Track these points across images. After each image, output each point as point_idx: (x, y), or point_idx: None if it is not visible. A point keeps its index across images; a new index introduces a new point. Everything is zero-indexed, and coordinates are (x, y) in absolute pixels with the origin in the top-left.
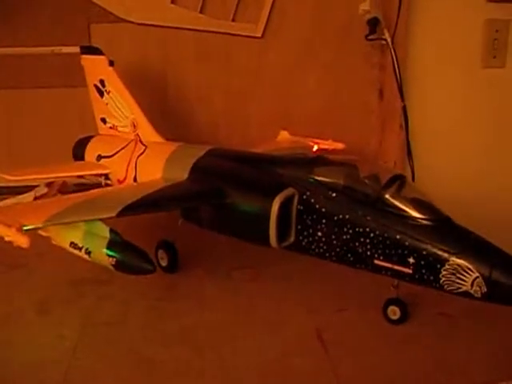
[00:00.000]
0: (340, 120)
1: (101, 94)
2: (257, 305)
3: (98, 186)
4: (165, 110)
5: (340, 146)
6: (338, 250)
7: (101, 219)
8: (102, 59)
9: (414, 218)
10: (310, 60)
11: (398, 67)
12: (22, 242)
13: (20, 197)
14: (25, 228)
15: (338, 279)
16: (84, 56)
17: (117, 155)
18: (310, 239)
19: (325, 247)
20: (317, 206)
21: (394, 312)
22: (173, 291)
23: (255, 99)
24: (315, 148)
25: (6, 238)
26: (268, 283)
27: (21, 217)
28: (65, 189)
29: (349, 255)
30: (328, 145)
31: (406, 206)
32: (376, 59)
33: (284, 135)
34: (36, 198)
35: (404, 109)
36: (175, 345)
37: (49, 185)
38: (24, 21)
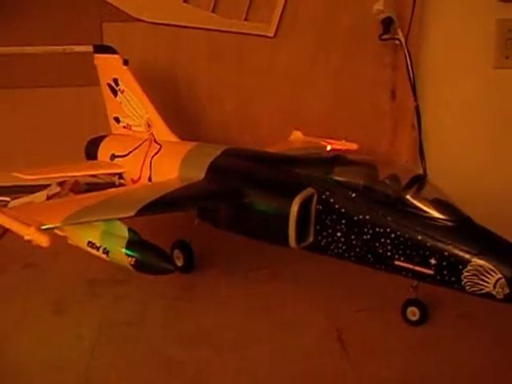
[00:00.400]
0: (351, 120)
1: (114, 93)
2: (274, 306)
3: (112, 185)
4: (176, 110)
5: (353, 146)
6: (357, 250)
7: (119, 219)
8: (115, 58)
9: (436, 219)
10: (321, 60)
11: (412, 67)
12: (42, 241)
13: (32, 196)
14: (43, 227)
15: (355, 279)
16: (97, 55)
17: (131, 154)
18: (329, 239)
19: (344, 247)
20: (336, 206)
21: (414, 313)
22: (190, 291)
23: (266, 99)
24: (328, 148)
25: (26, 237)
26: (285, 284)
27: (39, 216)
28: (77, 188)
29: (369, 256)
30: (341, 145)
31: (427, 207)
32: (388, 59)
33: (296, 135)
34: (48, 197)
35: (417, 109)
36: (194, 345)
37: (61, 184)
38: (36, 20)
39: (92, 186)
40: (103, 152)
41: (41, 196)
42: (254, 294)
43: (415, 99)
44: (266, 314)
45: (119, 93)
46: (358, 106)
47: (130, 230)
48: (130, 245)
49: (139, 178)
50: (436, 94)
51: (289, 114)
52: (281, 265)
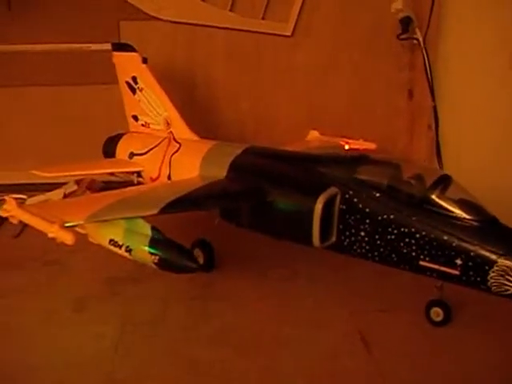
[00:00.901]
0: (368, 119)
1: (133, 91)
2: (295, 305)
3: (128, 183)
4: (193, 108)
5: (372, 145)
6: (381, 250)
7: (142, 217)
8: (134, 56)
9: (461, 219)
10: (338, 59)
11: (430, 67)
12: (67, 238)
13: (49, 193)
14: (67, 224)
15: (376, 279)
16: (116, 53)
17: (150, 153)
18: (353, 239)
19: (367, 247)
20: (360, 206)
21: (438, 313)
22: (210, 290)
23: (283, 98)
24: (346, 147)
25: (50, 235)
26: (305, 283)
27: (62, 213)
28: (94, 186)
29: (393, 256)
30: (359, 144)
31: (453, 207)
32: (406, 59)
33: (314, 134)
34: (65, 195)
35: (434, 109)
36: (218, 345)
37: (78, 182)
38: (54, 18)
39: (108, 184)
40: (121, 150)
41: (58, 194)
42: (274, 293)
43: (433, 99)
44: (287, 314)
45: (138, 91)
46: (375, 106)
47: (153, 228)
48: (153, 243)
49: (158, 177)
50: (453, 95)
51: (305, 113)
52: (300, 264)
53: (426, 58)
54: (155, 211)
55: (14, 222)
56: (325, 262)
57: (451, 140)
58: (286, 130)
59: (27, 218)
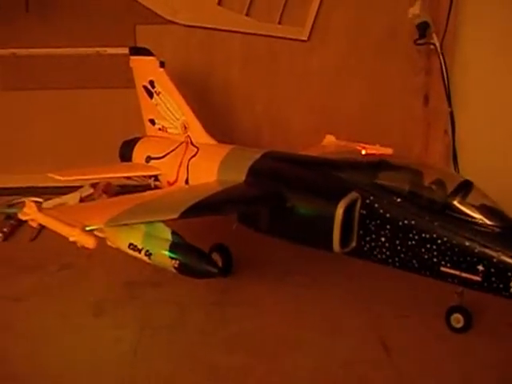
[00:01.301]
0: (383, 124)
1: (150, 95)
2: (313, 311)
3: (144, 187)
4: (208, 112)
5: (388, 151)
6: (402, 256)
7: (162, 221)
8: (151, 60)
9: (483, 225)
10: (354, 64)
11: (447, 72)
12: (88, 242)
13: (65, 197)
14: (87, 228)
15: (395, 285)
16: (133, 57)
17: (167, 157)
18: (373, 244)
19: (388, 253)
20: (381, 211)
21: (458, 320)
22: (228, 295)
23: (299, 102)
24: (363, 153)
25: (71, 239)
26: (324, 289)
27: (82, 217)
28: (109, 189)
29: (414, 262)
30: (376, 150)
31: (475, 213)
32: (422, 64)
33: (330, 139)
34: (81, 199)
35: (451, 114)
36: (236, 351)
37: (94, 185)
38: (70, 22)
39: (124, 188)
40: (138, 154)
41: (74, 197)
42: (292, 298)
43: (449, 105)
44: (306, 319)
45: (155, 95)
46: (391, 111)
47: (173, 232)
48: (173, 247)
49: (176, 181)
50: (469, 100)
51: (321, 118)
52: (318, 269)
53: (442, 63)
54: (175, 216)
55: (34, 225)
56: (343, 268)
57: (468, 146)
58: (301, 135)
59: (48, 222)
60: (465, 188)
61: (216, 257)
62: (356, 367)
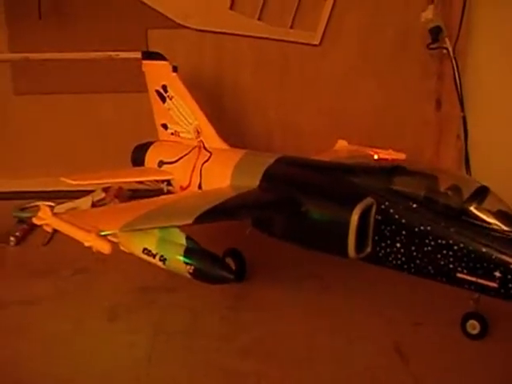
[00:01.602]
0: (395, 129)
1: (163, 99)
2: (329, 317)
3: (157, 191)
4: (220, 117)
5: (401, 155)
6: (417, 262)
7: (177, 226)
8: (164, 64)
9: (500, 231)
10: (366, 68)
11: (459, 77)
12: (104, 247)
13: (77, 201)
14: (102, 233)
15: (410, 290)
16: (145, 61)
17: (180, 161)
18: (388, 250)
19: (403, 259)
20: (396, 217)
21: (474, 326)
22: (243, 300)
23: (310, 107)
24: (376, 157)
25: (86, 244)
26: (338, 294)
27: (97, 222)
28: (121, 194)
29: (429, 268)
30: (388, 154)
31: (492, 218)
32: (434, 68)
33: (342, 144)
34: (93, 203)
35: (464, 119)
36: (252, 357)
37: (106, 190)
38: (82, 27)
39: (135, 193)
40: (151, 158)
41: (86, 202)
42: (307, 304)
43: (462, 109)
44: (320, 326)
45: (168, 99)
46: (403, 115)
47: (188, 237)
48: (188, 253)
49: (189, 185)
50: (482, 104)
51: (332, 122)
52: (333, 275)
53: (455, 68)
54: (190, 221)
55: (48, 230)
56: (357, 274)
57: (480, 151)
58: (313, 139)
59: (62, 227)
60: (481, 193)
61: (229, 262)
62: (371, 373)
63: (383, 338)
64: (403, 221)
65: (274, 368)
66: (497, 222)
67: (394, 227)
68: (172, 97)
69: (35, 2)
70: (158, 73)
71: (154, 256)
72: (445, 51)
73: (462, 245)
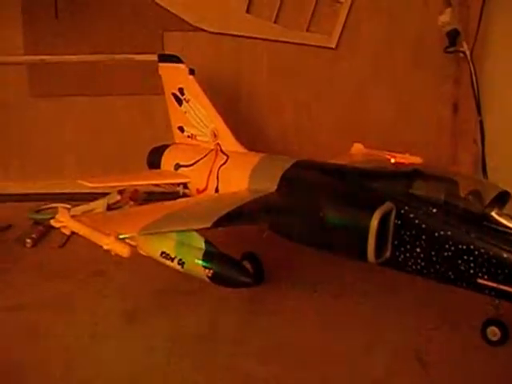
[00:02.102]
0: (411, 133)
1: (179, 102)
2: (347, 322)
3: (172, 194)
4: (236, 120)
5: (418, 159)
6: (437, 267)
7: (195, 230)
8: (181, 67)
9: None
10: (382, 72)
11: (476, 81)
12: (123, 251)
13: (93, 203)
14: (120, 236)
15: (429, 295)
16: (162, 64)
17: (197, 164)
18: (408, 255)
19: (423, 264)
20: (416, 222)
21: (494, 333)
22: (260, 304)
23: (326, 110)
24: (392, 161)
25: (105, 247)
26: (356, 300)
27: (115, 225)
28: (136, 196)
29: (449, 273)
30: (405, 158)
31: None
32: (451, 72)
33: (358, 148)
34: (109, 206)
35: (481, 123)
36: (270, 361)
37: (121, 192)
38: (98, 29)
39: (151, 195)
40: (167, 161)
41: (101, 204)
42: (324, 308)
43: (479, 114)
44: (338, 330)
45: (184, 102)
46: (419, 119)
47: (206, 241)
48: (206, 256)
49: (205, 189)
50: (500, 109)
51: (348, 126)
52: (351, 280)
53: (472, 72)
54: (208, 225)
55: (67, 232)
56: (375, 278)
57: (497, 156)
58: (329, 143)
59: (80, 230)
60: (502, 198)
61: (247, 265)
62: (390, 381)
63: (402, 345)
64: (423, 226)
65: (292, 372)
66: None
67: (413, 232)
68: (189, 100)
69: (52, 3)
70: (174, 76)
71: (172, 259)
72: (462, 55)
73: (482, 250)
